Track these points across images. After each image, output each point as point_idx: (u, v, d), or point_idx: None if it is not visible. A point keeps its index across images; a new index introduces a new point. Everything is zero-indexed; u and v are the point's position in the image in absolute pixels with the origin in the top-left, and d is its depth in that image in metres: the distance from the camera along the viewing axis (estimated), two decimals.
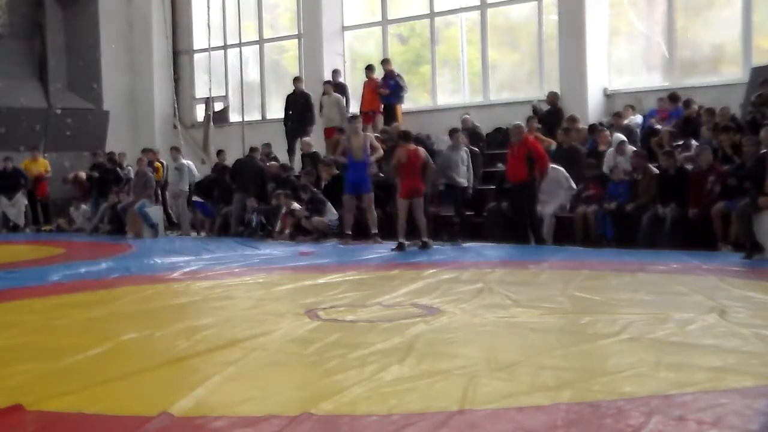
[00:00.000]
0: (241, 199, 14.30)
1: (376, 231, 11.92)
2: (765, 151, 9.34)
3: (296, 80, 16.25)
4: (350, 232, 12.07)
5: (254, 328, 5.40)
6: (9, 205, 17.11)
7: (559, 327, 5.40)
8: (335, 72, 16.51)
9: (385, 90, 15.27)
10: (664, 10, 14.19)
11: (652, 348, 4.54)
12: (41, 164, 17.55)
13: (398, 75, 15.41)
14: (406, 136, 11.24)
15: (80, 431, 3.44)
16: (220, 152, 15.75)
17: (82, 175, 17.37)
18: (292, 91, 16.09)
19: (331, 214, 12.71)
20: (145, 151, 16.51)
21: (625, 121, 12.65)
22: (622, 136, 11.88)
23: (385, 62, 15.57)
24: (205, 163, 17.55)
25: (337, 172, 13.32)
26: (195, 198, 15.28)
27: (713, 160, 10.21)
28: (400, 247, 10.68)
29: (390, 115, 15.16)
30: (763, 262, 8.68)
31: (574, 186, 11.62)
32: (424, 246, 10.79)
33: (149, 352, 4.89)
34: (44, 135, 18.51)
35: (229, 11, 19.24)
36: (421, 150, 11.30)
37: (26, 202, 17.27)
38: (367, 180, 12.04)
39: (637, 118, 13.09)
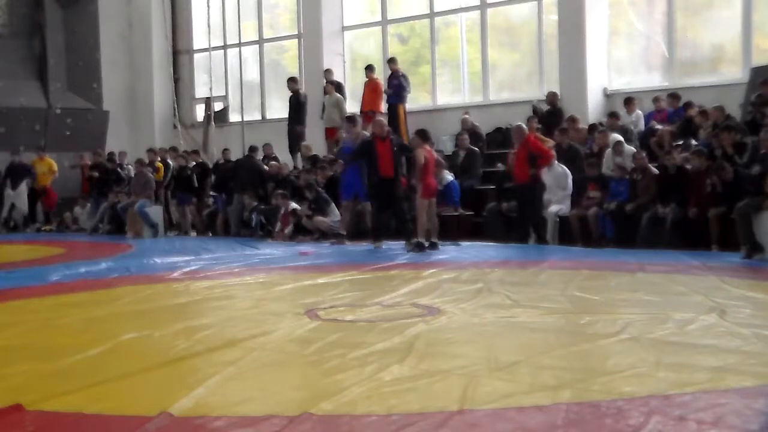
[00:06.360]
0: (241, 200, 14.33)
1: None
2: (765, 151, 9.37)
3: (288, 81, 16.31)
4: (344, 233, 12.10)
5: (254, 328, 5.40)
6: (15, 195, 17.20)
7: (559, 327, 5.40)
8: (327, 71, 16.47)
9: (389, 90, 15.27)
10: (664, 10, 14.20)
11: (652, 348, 4.53)
12: (46, 163, 17.57)
13: (402, 75, 15.34)
14: (425, 136, 11.08)
15: (80, 431, 3.44)
16: (225, 150, 15.83)
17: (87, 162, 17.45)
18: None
19: (334, 215, 12.68)
20: (153, 150, 16.57)
21: (620, 122, 12.63)
22: (618, 137, 11.88)
23: (390, 61, 15.54)
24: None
25: (332, 173, 13.35)
26: (212, 193, 15.36)
27: (713, 160, 10.21)
28: (419, 247, 10.61)
29: (392, 115, 15.16)
30: (763, 262, 8.68)
31: (570, 187, 11.63)
32: (433, 246, 10.75)
33: (149, 352, 4.88)
34: (44, 135, 18.52)
35: (229, 11, 19.27)
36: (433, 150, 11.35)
37: (27, 192, 17.36)
38: (360, 184, 12.01)
39: (639, 115, 13.06)
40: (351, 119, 13.30)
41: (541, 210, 11.29)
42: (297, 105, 15.96)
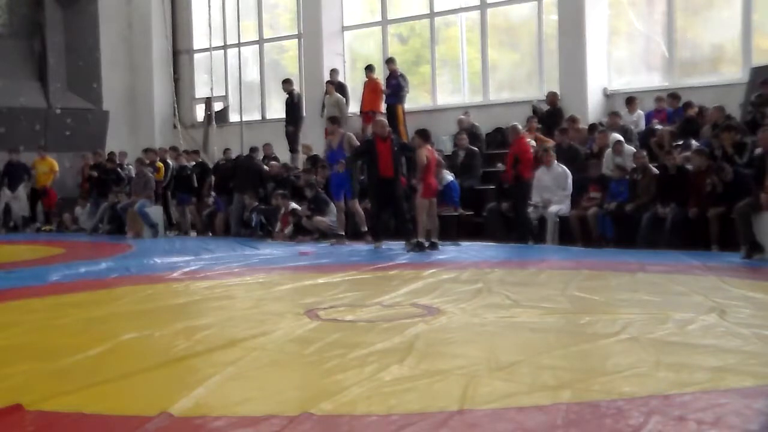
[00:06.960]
0: (241, 200, 14.34)
1: (366, 229, 12.00)
2: (764, 151, 9.37)
3: (283, 83, 16.39)
4: (343, 233, 12.12)
5: (254, 328, 5.39)
6: (12, 198, 17.19)
7: (559, 327, 5.40)
8: (333, 71, 16.53)
9: (387, 90, 15.26)
10: (664, 10, 14.20)
11: (652, 348, 4.53)
12: (47, 163, 17.57)
13: (400, 75, 15.34)
14: (426, 136, 11.06)
15: (80, 431, 3.44)
16: (226, 150, 15.89)
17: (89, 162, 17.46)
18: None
19: (334, 215, 12.69)
20: (153, 150, 16.56)
21: (621, 122, 12.62)
22: (618, 136, 11.88)
23: (389, 61, 15.55)
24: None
25: (332, 173, 13.40)
26: (212, 193, 15.40)
27: (713, 160, 10.20)
28: (419, 247, 10.61)
29: (391, 115, 15.15)
30: (763, 262, 8.68)
31: (570, 188, 11.63)
32: (433, 246, 10.74)
33: (149, 352, 4.88)
34: (44, 135, 18.52)
35: (229, 11, 19.25)
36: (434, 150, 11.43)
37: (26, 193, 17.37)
38: (346, 183, 12.11)
39: (639, 115, 13.05)
40: (333, 119, 13.46)
41: (524, 210, 11.31)
42: (291, 106, 16.04)
